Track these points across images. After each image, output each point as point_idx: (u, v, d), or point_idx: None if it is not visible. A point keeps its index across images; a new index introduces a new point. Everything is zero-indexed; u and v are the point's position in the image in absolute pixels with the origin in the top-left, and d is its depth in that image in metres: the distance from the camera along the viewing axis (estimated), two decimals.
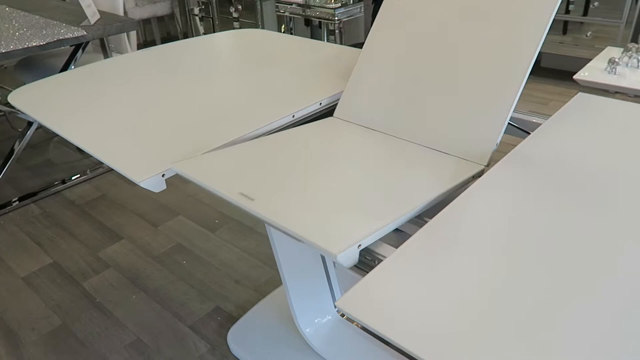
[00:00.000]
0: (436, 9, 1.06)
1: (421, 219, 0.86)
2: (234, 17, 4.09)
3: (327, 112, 1.18)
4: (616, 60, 2.22)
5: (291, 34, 3.97)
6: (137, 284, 1.79)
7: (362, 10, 3.51)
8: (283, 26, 4.01)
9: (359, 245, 0.72)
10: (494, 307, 0.58)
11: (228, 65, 1.49)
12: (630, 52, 2.30)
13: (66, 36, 2.04)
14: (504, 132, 1.09)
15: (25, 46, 1.92)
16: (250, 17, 4.08)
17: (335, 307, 1.49)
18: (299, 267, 1.35)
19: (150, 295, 1.73)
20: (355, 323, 1.45)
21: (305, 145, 1.02)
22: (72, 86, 1.38)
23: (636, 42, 2.59)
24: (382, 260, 0.71)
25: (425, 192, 0.84)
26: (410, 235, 0.77)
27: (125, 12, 2.74)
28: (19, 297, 1.76)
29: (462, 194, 0.79)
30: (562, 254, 0.65)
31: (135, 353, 1.52)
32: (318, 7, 3.42)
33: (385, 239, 0.79)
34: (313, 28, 4.10)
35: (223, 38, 1.79)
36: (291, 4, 3.57)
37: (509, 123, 1.06)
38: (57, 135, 1.45)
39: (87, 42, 2.26)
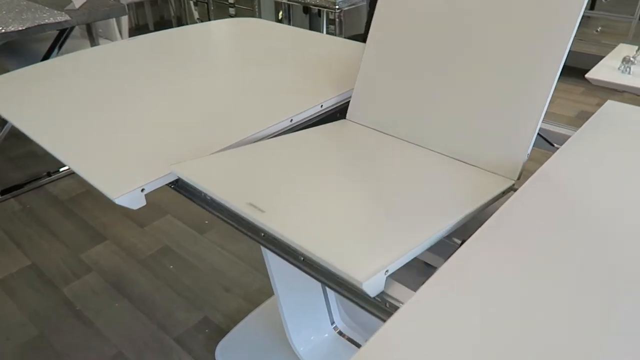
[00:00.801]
0: None
1: (449, 239, 0.76)
2: (230, 3, 3.93)
3: (331, 114, 1.07)
4: (631, 59, 2.11)
5: (288, 22, 3.82)
6: (121, 290, 1.68)
7: None
8: (281, 13, 3.86)
9: (386, 271, 0.63)
10: None
11: (221, 59, 1.37)
12: None
13: (48, 21, 1.90)
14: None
15: (2, 31, 1.78)
16: (247, 3, 3.93)
17: (332, 323, 1.40)
18: (294, 279, 1.24)
19: (134, 303, 1.62)
20: (354, 343, 1.35)
21: (318, 150, 0.91)
22: (50, 78, 1.25)
23: None
24: (397, 307, 0.61)
25: (455, 209, 0.74)
26: (431, 268, 0.66)
27: None
28: None
29: (489, 222, 0.68)
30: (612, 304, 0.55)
31: None
32: None
33: (404, 270, 0.69)
34: (312, 16, 3.95)
35: (217, 27, 1.66)
36: None
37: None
38: None
39: (72, 28, 2.12)
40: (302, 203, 0.75)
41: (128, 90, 1.16)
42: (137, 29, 4.51)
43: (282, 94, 1.11)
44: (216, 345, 1.44)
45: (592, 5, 3.36)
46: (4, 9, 2.03)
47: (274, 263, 1.19)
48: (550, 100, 2.75)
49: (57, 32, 2.12)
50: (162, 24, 4.68)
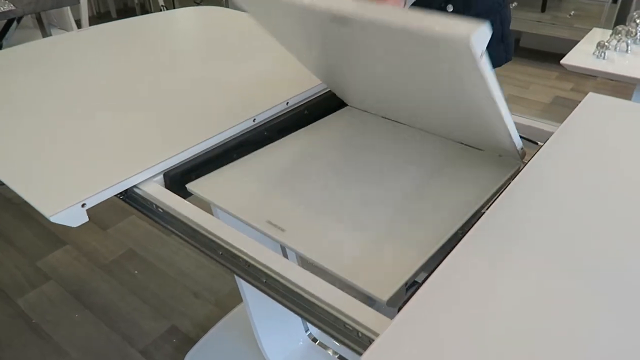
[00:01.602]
0: None
1: None
2: None
3: (299, 111, 0.98)
4: (605, 43, 2.07)
5: None
6: (82, 300, 1.57)
7: None
8: None
9: (406, 283, 0.61)
10: None
11: (182, 53, 1.26)
12: (619, 35, 2.16)
13: None
14: None
15: None
16: None
17: (306, 331, 1.33)
18: None
19: (96, 314, 1.52)
20: (329, 349, 1.28)
21: (324, 150, 0.86)
22: None
23: (622, 23, 2.45)
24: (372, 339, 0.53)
25: (463, 207, 0.72)
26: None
27: None
28: None
29: (475, 231, 0.61)
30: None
31: None
32: None
33: None
34: None
35: (181, 16, 1.54)
36: None
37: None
38: None
39: (20, 18, 1.96)
40: (320, 216, 0.70)
41: (73, 89, 1.05)
42: (98, 17, 4.31)
43: (247, 91, 1.02)
44: (184, 356, 1.36)
45: None
46: None
47: None
48: (525, 86, 2.70)
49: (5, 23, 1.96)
50: (125, 12, 4.48)
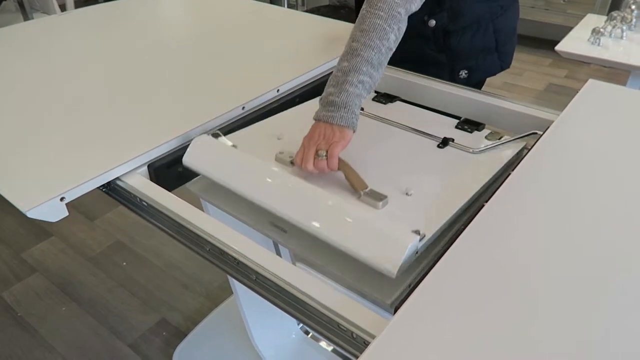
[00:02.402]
0: None
1: None
2: None
3: (290, 99, 0.94)
4: (601, 30, 2.04)
5: None
6: (68, 293, 1.54)
7: None
8: None
9: (409, 285, 0.59)
10: None
11: (169, 38, 1.21)
12: (614, 21, 2.13)
13: None
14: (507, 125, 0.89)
15: None
16: None
17: (299, 324, 1.30)
18: None
19: (84, 307, 1.49)
20: (322, 342, 1.26)
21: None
22: None
23: (616, 9, 2.42)
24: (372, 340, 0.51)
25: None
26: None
27: None
28: None
29: (476, 222, 0.58)
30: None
31: None
32: None
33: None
34: None
35: (167, 0, 1.49)
36: None
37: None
38: None
39: (1, 1, 1.89)
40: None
41: (53, 76, 1.01)
42: (85, 1, 4.20)
43: (236, 77, 0.98)
44: (174, 350, 1.33)
45: None
46: None
47: None
48: (519, 74, 2.68)
49: None
50: None
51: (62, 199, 0.68)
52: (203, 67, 1.03)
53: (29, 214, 0.65)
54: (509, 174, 0.67)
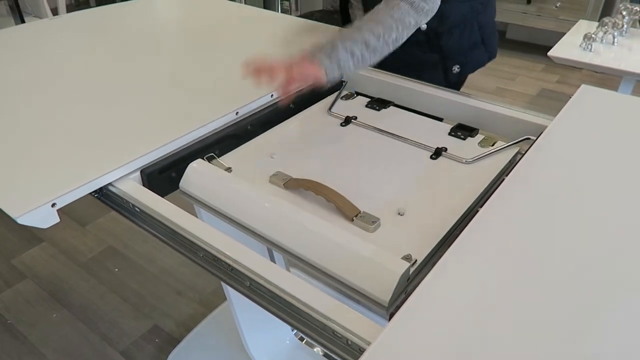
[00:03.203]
0: None
1: None
2: None
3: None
4: (593, 36, 2.06)
5: None
6: (59, 299, 1.52)
7: None
8: None
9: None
10: None
11: (160, 42, 1.21)
12: (605, 27, 2.15)
13: None
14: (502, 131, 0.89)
15: None
16: None
17: (293, 329, 1.30)
18: None
19: (75, 313, 1.47)
20: (316, 347, 1.25)
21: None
22: None
23: (607, 15, 2.44)
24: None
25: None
26: None
27: None
28: None
29: (466, 232, 0.58)
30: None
31: None
32: None
33: None
34: None
35: (162, 3, 1.48)
36: None
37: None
38: None
39: None
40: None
41: (43, 80, 1.00)
42: (76, 6, 4.18)
43: (228, 83, 0.97)
44: (167, 356, 1.32)
45: None
46: None
47: None
48: (511, 78, 2.70)
49: None
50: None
51: (53, 205, 0.67)
52: (196, 72, 1.02)
53: (20, 221, 0.64)
54: (503, 179, 0.67)
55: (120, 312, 1.47)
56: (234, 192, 0.71)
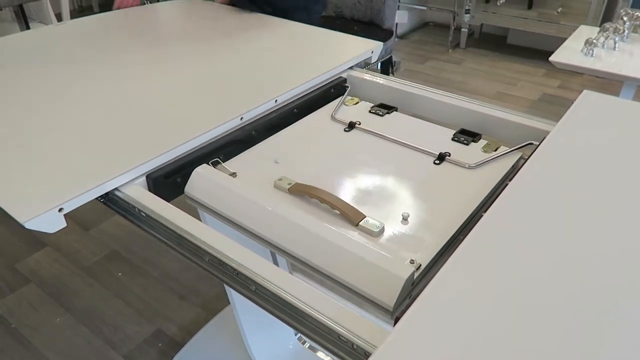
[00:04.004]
0: None
1: None
2: None
3: (288, 110, 0.94)
4: (594, 41, 2.07)
5: None
6: (63, 303, 1.52)
7: None
8: None
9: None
10: None
11: (165, 48, 1.22)
12: (607, 32, 2.16)
13: None
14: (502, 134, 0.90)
15: None
16: None
17: (296, 334, 1.30)
18: None
19: (78, 317, 1.47)
20: (319, 352, 1.25)
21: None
22: None
23: (608, 20, 2.45)
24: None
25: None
26: None
27: None
28: None
29: (465, 244, 0.58)
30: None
31: None
32: None
33: None
34: None
35: (164, 10, 1.50)
36: None
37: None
38: None
39: None
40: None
41: (50, 85, 1.01)
42: (80, 12, 4.21)
43: (232, 89, 0.98)
44: None
45: None
46: None
47: None
48: (513, 83, 2.71)
49: None
50: (107, 5, 4.37)
51: (60, 210, 0.67)
52: (201, 77, 1.03)
53: (27, 225, 0.65)
54: (507, 184, 0.68)
55: (124, 317, 1.48)
56: (239, 197, 0.71)
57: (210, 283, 1.58)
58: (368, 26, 2.48)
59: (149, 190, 0.75)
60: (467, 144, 0.84)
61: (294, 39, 1.23)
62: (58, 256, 1.70)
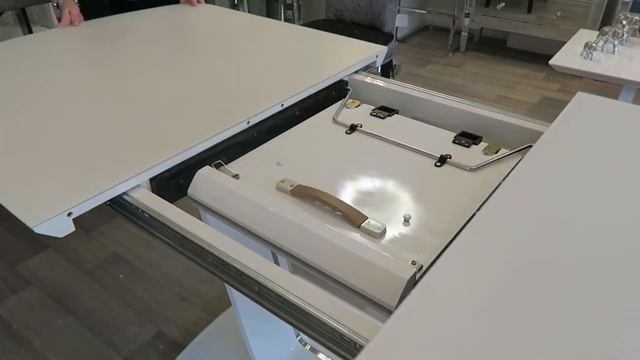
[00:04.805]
0: None
1: None
2: None
3: (292, 113, 0.95)
4: (593, 45, 2.08)
5: (246, 7, 3.64)
6: (64, 305, 1.53)
7: None
8: None
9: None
10: None
11: (167, 52, 1.23)
12: (606, 36, 2.17)
13: None
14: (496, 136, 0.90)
15: None
16: None
17: (297, 336, 1.30)
18: None
19: (79, 319, 1.48)
20: (320, 354, 1.26)
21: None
22: None
23: (607, 24, 2.47)
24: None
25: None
26: None
27: None
28: None
29: (457, 244, 0.59)
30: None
31: None
32: None
33: None
34: (269, 1, 3.79)
35: (167, 13, 1.50)
36: None
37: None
38: None
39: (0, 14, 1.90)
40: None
41: (55, 89, 1.01)
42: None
43: (239, 92, 0.99)
44: None
45: None
46: None
47: None
48: (513, 87, 2.72)
49: None
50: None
51: (69, 214, 0.68)
52: (208, 81, 1.04)
53: (37, 230, 0.65)
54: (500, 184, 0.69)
55: (125, 319, 1.48)
56: (242, 199, 0.72)
57: (212, 284, 1.59)
58: (368, 30, 2.49)
59: (152, 191, 0.76)
60: (468, 147, 0.85)
61: (301, 42, 1.24)
62: (59, 258, 1.71)
